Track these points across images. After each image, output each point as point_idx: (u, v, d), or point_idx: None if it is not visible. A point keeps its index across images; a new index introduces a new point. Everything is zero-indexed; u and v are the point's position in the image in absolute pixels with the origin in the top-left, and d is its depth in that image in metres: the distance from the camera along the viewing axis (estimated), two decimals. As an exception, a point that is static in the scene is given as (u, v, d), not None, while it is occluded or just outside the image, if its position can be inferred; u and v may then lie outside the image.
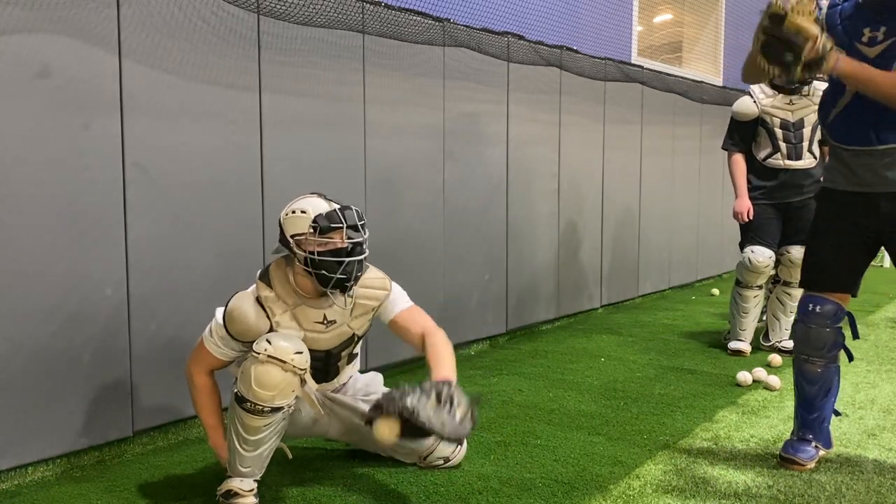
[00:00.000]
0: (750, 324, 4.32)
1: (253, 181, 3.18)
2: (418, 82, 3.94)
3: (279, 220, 2.35)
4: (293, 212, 2.31)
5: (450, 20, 4.06)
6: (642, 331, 5.00)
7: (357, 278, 2.33)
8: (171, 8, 2.84)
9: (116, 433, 2.78)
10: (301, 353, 2.24)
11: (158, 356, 2.88)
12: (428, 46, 3.96)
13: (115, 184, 2.72)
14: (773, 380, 3.60)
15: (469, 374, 3.87)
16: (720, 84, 7.42)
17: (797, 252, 4.10)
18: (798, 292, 4.17)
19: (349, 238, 2.28)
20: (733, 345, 4.31)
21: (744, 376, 3.67)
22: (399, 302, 2.49)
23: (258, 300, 2.32)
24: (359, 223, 2.29)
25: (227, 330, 2.32)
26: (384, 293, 2.46)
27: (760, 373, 3.71)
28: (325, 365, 2.46)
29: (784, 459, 2.64)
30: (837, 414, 2.73)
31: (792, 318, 4.20)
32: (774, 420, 3.15)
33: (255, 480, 2.34)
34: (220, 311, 2.37)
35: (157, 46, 2.81)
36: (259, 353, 2.20)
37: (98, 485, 2.52)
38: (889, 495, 2.41)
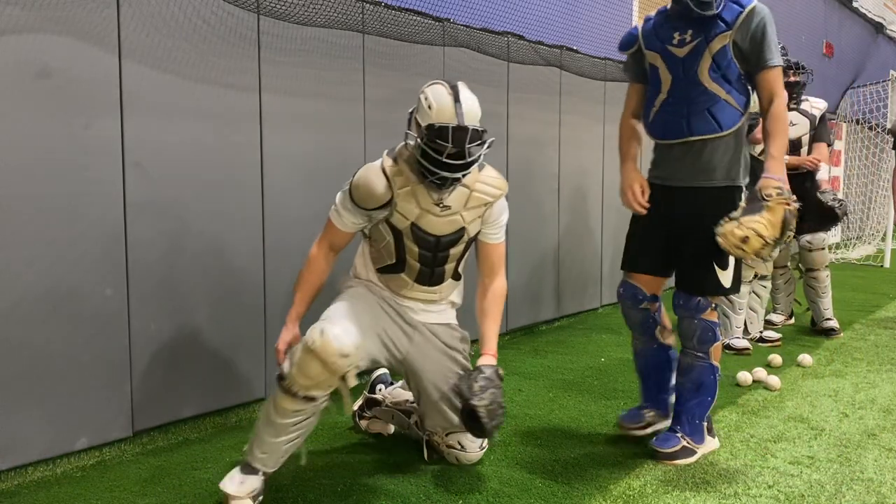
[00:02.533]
0: (742, 319, 4.41)
1: (253, 181, 3.18)
2: (418, 82, 3.92)
3: (420, 94, 2.39)
4: (426, 98, 2.35)
5: (450, 20, 4.06)
6: (642, 331, 5.00)
7: (450, 187, 2.38)
8: (171, 8, 2.84)
9: (116, 433, 2.78)
10: (348, 356, 2.22)
11: (158, 356, 2.88)
12: (428, 46, 3.96)
13: (115, 184, 2.72)
14: (773, 380, 3.60)
15: (469, 374, 3.87)
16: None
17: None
18: (770, 284, 4.58)
19: (451, 158, 2.27)
20: (737, 343, 4.32)
21: (744, 376, 3.67)
22: (500, 227, 2.61)
23: (383, 171, 2.38)
24: (467, 147, 2.26)
25: (351, 197, 2.41)
26: (499, 192, 2.52)
27: (760, 373, 3.71)
28: (432, 257, 2.51)
29: (618, 426, 2.93)
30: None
31: (764, 310, 4.58)
32: (774, 420, 3.15)
33: (264, 474, 2.32)
34: (343, 190, 2.47)
35: (157, 46, 2.81)
36: (308, 342, 2.22)
37: (98, 485, 2.52)
38: (889, 495, 2.41)
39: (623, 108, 2.93)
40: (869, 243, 9.52)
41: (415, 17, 3.82)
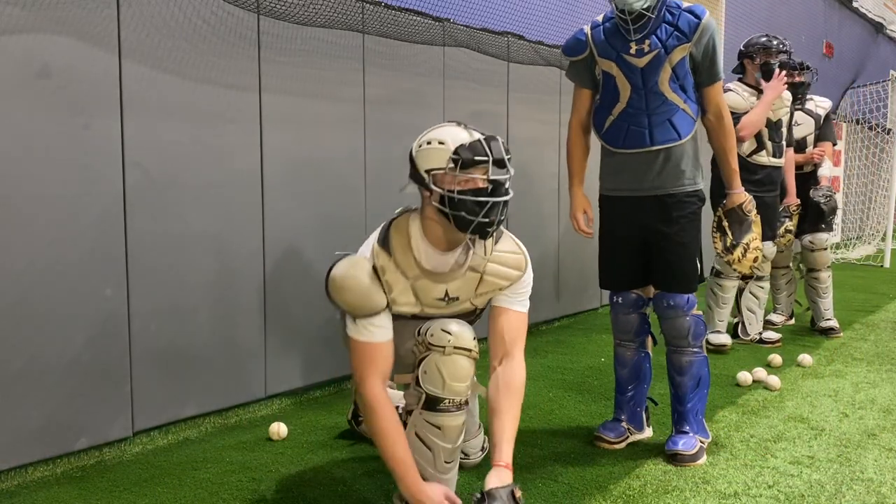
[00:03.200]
0: (726, 315, 4.42)
1: (253, 181, 3.18)
2: (418, 82, 3.94)
3: (410, 154, 2.05)
4: (429, 143, 1.99)
5: (450, 20, 4.06)
6: (642, 331, 5.00)
7: (500, 222, 2.02)
8: (171, 8, 2.84)
9: (116, 433, 2.78)
10: (474, 337, 2.09)
11: (158, 356, 2.88)
12: (428, 46, 3.96)
13: (115, 184, 2.72)
14: (773, 380, 3.60)
15: (469, 374, 3.86)
16: (720, 84, 7.41)
17: (769, 248, 4.32)
18: (767, 285, 4.55)
19: (493, 175, 1.96)
20: (715, 338, 4.32)
21: (744, 376, 3.67)
22: (521, 296, 2.21)
23: (374, 270, 2.01)
24: (505, 157, 1.98)
25: (331, 299, 2.01)
26: (518, 274, 2.17)
27: (760, 373, 3.71)
28: None
29: (595, 437, 2.85)
30: (655, 403, 2.99)
31: (762, 311, 4.56)
32: (774, 420, 3.15)
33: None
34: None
35: (157, 46, 2.81)
36: (444, 346, 2.02)
37: (98, 485, 2.52)
38: (889, 495, 2.41)
39: (571, 115, 2.86)
40: (869, 243, 9.52)
41: (415, 17, 3.82)
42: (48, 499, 2.41)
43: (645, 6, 2.52)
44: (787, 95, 4.29)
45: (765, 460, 2.71)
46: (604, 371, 3.96)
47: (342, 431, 2.99)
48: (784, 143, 4.27)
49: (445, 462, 2.09)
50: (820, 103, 4.75)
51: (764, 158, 4.16)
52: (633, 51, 2.61)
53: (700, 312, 2.76)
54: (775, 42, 4.17)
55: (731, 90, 4.18)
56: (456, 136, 1.99)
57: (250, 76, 3.13)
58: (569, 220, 2.96)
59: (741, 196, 2.83)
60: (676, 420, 2.78)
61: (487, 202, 1.95)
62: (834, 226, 4.88)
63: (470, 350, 2.07)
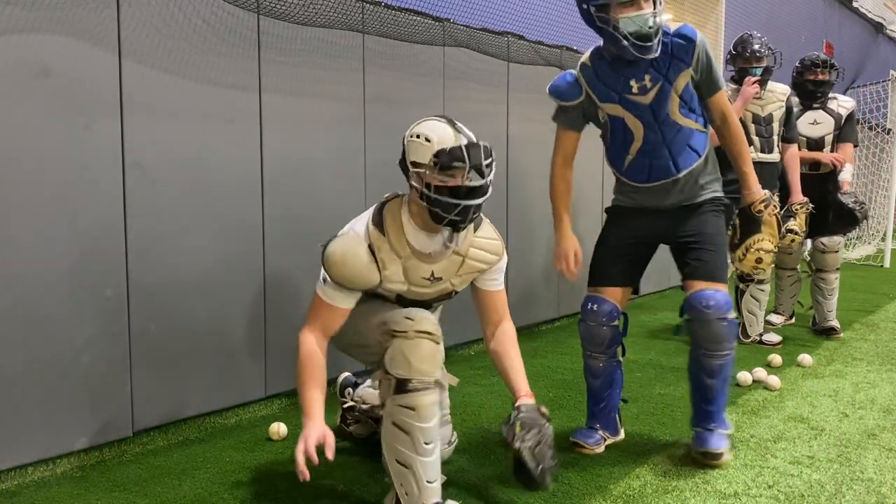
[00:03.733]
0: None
1: (253, 181, 3.18)
2: (418, 82, 3.94)
3: (403, 139, 2.20)
4: (418, 136, 2.13)
5: (450, 20, 4.06)
6: (642, 331, 5.00)
7: (472, 220, 2.17)
8: (171, 8, 2.84)
9: (116, 433, 2.78)
10: (437, 323, 2.18)
11: (158, 356, 2.88)
12: (428, 46, 3.96)
13: (115, 184, 2.72)
14: (773, 380, 3.60)
15: (469, 374, 3.86)
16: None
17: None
18: (768, 287, 4.56)
19: (470, 180, 2.10)
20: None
21: (744, 376, 3.67)
22: (498, 277, 2.42)
23: (370, 248, 2.16)
24: (484, 163, 2.09)
25: (330, 275, 2.15)
26: (495, 258, 2.36)
27: (760, 373, 3.71)
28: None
29: (573, 444, 2.83)
30: (625, 401, 2.95)
31: (763, 312, 4.59)
32: (774, 420, 3.15)
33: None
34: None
35: (157, 46, 2.81)
36: (406, 331, 2.10)
37: (98, 485, 2.52)
38: (889, 495, 2.41)
39: (554, 155, 2.83)
40: (869, 243, 9.51)
41: (415, 17, 3.82)
42: (48, 499, 2.41)
43: (652, 27, 2.45)
44: (783, 89, 4.28)
45: (765, 460, 2.71)
46: (604, 371, 3.96)
47: (341, 431, 2.99)
48: (775, 137, 4.24)
49: (425, 444, 2.11)
50: (843, 103, 4.66)
51: (753, 155, 4.12)
52: (635, 89, 2.57)
53: (735, 315, 2.71)
54: (750, 50, 4.17)
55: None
56: (443, 135, 2.11)
57: (250, 76, 3.13)
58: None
59: (753, 195, 2.79)
60: (702, 418, 2.71)
61: (460, 204, 2.09)
62: (852, 230, 4.83)
63: (431, 334, 2.14)
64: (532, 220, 4.82)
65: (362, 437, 2.92)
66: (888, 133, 9.53)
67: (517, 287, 4.74)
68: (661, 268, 6.47)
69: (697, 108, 2.64)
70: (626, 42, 2.46)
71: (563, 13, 5.34)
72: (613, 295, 2.78)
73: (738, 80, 4.23)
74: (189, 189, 2.94)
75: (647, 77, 2.56)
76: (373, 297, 2.32)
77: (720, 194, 2.75)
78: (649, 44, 2.47)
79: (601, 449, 2.80)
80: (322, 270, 2.21)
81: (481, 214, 2.29)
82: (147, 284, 2.82)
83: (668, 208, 2.72)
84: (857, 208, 4.49)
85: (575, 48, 5.13)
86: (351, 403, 2.95)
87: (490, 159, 2.12)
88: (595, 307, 2.77)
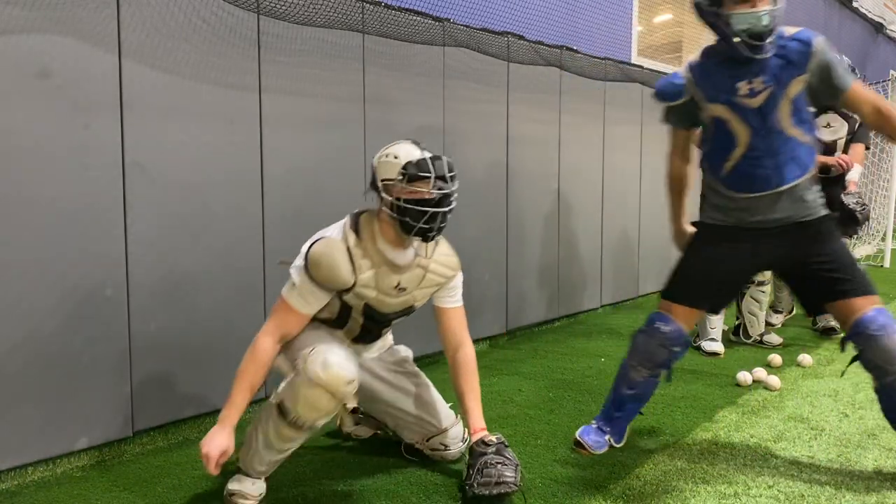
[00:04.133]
0: (719, 323, 4.40)
1: (253, 181, 3.18)
2: (418, 82, 3.94)
3: (373, 163, 2.35)
4: (386, 156, 2.31)
5: (450, 20, 4.06)
6: (642, 331, 4.99)
7: (440, 229, 2.30)
8: (171, 8, 2.84)
9: (116, 433, 2.78)
10: (353, 382, 2.23)
11: (158, 356, 2.88)
12: (428, 46, 3.96)
13: (115, 184, 2.72)
14: (773, 380, 3.60)
15: (469, 374, 3.87)
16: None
17: None
18: (769, 288, 4.51)
19: (437, 188, 2.25)
20: (709, 346, 4.31)
21: (744, 376, 3.67)
22: (456, 293, 2.56)
23: (348, 252, 2.29)
24: (448, 174, 2.26)
25: (310, 275, 2.27)
26: (452, 273, 2.50)
27: (760, 373, 3.71)
28: (376, 327, 2.50)
29: (576, 443, 2.78)
30: (641, 413, 2.85)
31: (764, 313, 4.53)
32: (774, 420, 3.15)
33: (265, 479, 2.35)
34: (298, 267, 2.30)
35: (157, 46, 2.81)
36: (313, 378, 2.17)
37: (98, 485, 2.52)
38: (889, 495, 2.41)
39: (671, 151, 2.76)
40: (869, 243, 9.52)
41: (415, 17, 3.82)
42: (48, 499, 2.41)
43: (767, 25, 2.33)
44: None
45: (765, 460, 2.71)
46: (604, 371, 3.96)
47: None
48: None
49: (270, 450, 2.28)
50: None
51: None
52: (743, 91, 2.44)
53: None
54: None
55: None
56: (409, 153, 2.28)
57: (250, 76, 3.13)
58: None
59: None
60: None
61: (428, 211, 2.24)
62: (861, 233, 4.79)
63: (335, 392, 2.19)
64: (533, 220, 4.83)
65: (363, 439, 2.92)
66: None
67: (517, 287, 4.74)
68: (661, 268, 6.48)
69: (809, 119, 2.47)
70: (737, 39, 2.36)
71: (563, 13, 5.34)
72: (684, 316, 2.63)
73: None
74: (189, 189, 2.94)
75: (757, 80, 2.42)
76: (325, 324, 2.45)
77: (824, 213, 2.56)
78: (762, 43, 2.35)
79: (600, 452, 2.77)
80: (290, 277, 2.32)
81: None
82: (147, 284, 2.82)
83: (774, 226, 2.53)
84: (859, 209, 4.45)
85: (575, 48, 5.13)
86: (354, 405, 2.95)
87: (453, 172, 2.28)
88: (661, 326, 2.63)
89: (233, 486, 2.33)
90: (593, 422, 2.85)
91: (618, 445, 2.83)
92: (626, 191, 5.90)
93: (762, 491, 2.44)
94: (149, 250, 2.82)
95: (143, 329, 2.82)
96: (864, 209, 4.48)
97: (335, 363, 2.19)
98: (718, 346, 4.31)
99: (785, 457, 2.74)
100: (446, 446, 2.63)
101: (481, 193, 4.39)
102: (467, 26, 4.19)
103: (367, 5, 3.57)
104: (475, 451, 2.41)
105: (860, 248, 9.35)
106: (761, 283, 4.46)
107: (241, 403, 2.25)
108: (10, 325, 2.46)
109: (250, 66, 3.13)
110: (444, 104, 4.10)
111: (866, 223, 4.70)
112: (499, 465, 2.33)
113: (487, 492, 2.29)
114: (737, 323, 4.60)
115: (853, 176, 4.56)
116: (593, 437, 2.78)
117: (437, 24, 3.96)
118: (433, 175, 2.23)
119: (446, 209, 2.27)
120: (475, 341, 4.55)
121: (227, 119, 3.06)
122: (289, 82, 3.27)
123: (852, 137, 4.60)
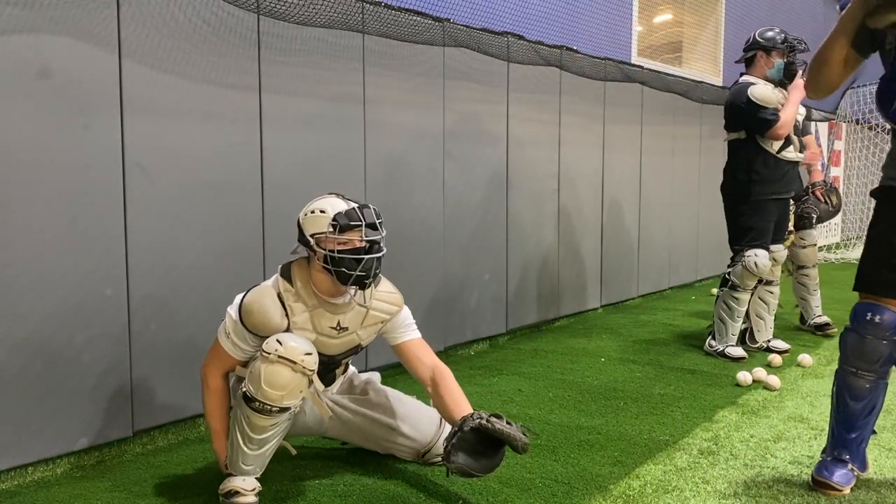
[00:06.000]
0: (739, 329, 4.28)
1: (253, 181, 3.18)
2: (418, 82, 3.94)
3: (298, 221, 2.37)
4: (312, 212, 2.33)
5: (450, 20, 4.06)
6: (642, 331, 5.00)
7: (376, 275, 2.34)
8: (171, 8, 2.84)
9: (116, 433, 2.78)
10: (311, 353, 2.26)
11: (158, 356, 2.88)
12: (428, 46, 3.96)
13: (115, 184, 2.72)
14: (773, 380, 3.60)
15: (469, 374, 3.87)
16: (720, 84, 7.42)
17: (781, 251, 4.31)
18: (778, 290, 4.40)
19: (367, 236, 2.30)
20: (734, 351, 4.18)
21: (744, 376, 3.67)
22: (408, 327, 2.53)
23: (279, 297, 2.32)
24: (377, 221, 2.31)
25: (243, 323, 2.30)
26: (396, 309, 2.48)
27: (760, 373, 3.71)
28: (324, 369, 2.46)
29: (818, 483, 2.41)
30: (875, 433, 2.53)
31: (773, 317, 4.40)
32: (774, 420, 3.15)
33: (256, 478, 2.35)
34: (233, 309, 2.34)
35: (157, 46, 2.81)
36: (269, 353, 2.22)
37: (98, 485, 2.52)
38: (889, 495, 2.41)
39: (834, 31, 2.48)
40: (869, 243, 9.51)
41: (415, 17, 3.82)
42: (48, 499, 2.41)
43: None
44: None
45: (765, 460, 2.71)
46: (603, 371, 3.96)
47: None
48: (801, 136, 4.26)
49: (250, 444, 2.29)
50: None
51: (791, 154, 4.11)
52: None
53: None
54: (798, 41, 4.04)
55: (756, 83, 4.02)
56: (335, 205, 2.32)
57: (250, 76, 3.13)
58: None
59: None
60: None
61: (363, 258, 2.27)
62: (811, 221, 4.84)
63: (294, 363, 2.22)
64: (533, 220, 4.83)
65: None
66: (888, 133, 9.53)
67: (518, 287, 4.74)
68: (661, 268, 6.49)
69: None
70: None
71: (563, 13, 5.34)
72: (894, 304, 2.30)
73: (790, 74, 4.03)
74: (189, 189, 2.94)
75: None
76: None
77: None
78: None
79: (848, 490, 2.39)
80: (224, 322, 2.36)
81: (380, 274, 2.41)
82: (147, 284, 2.82)
83: None
84: (814, 200, 4.60)
85: (575, 48, 5.13)
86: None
87: (381, 219, 2.33)
88: (876, 318, 2.30)
89: (225, 486, 2.33)
90: (823, 454, 2.49)
91: (863, 474, 2.47)
92: (625, 191, 5.90)
93: (762, 491, 2.44)
94: (149, 250, 2.82)
95: (143, 329, 2.82)
96: (826, 198, 4.64)
97: (289, 338, 2.25)
98: (741, 351, 4.18)
99: (785, 457, 2.74)
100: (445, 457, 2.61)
101: (481, 193, 4.39)
102: (467, 26, 4.19)
103: (367, 5, 3.57)
104: (466, 420, 2.28)
105: (860, 248, 9.34)
106: (769, 283, 4.32)
107: (224, 430, 2.39)
108: (10, 325, 2.46)
109: (250, 66, 3.13)
110: (444, 104, 4.10)
111: (830, 210, 4.79)
112: (494, 419, 2.25)
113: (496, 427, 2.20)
114: (743, 327, 4.41)
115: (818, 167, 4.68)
116: (836, 472, 2.40)
117: (437, 24, 3.96)
118: (363, 223, 2.28)
119: (379, 255, 2.31)
120: (475, 341, 4.56)
121: (227, 119, 3.05)
122: (289, 82, 3.27)
123: (802, 129, 4.53)
